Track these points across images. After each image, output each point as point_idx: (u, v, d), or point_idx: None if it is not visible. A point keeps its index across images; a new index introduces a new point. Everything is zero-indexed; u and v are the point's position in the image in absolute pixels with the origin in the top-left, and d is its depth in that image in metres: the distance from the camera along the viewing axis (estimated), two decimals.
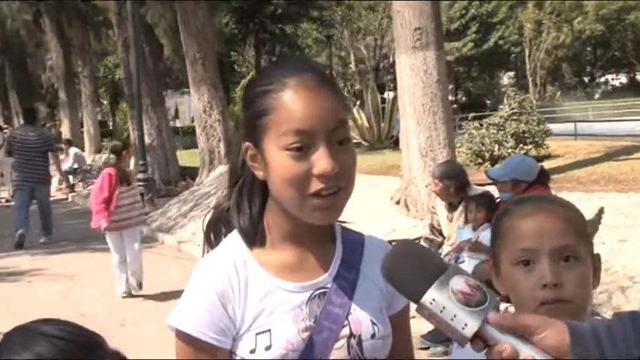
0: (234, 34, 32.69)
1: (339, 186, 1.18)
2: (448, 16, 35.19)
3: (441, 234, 5.58)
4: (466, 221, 5.14)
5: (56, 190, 19.45)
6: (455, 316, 0.94)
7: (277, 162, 1.18)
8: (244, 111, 1.28)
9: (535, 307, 1.20)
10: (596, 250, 1.31)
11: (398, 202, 8.52)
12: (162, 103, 16.58)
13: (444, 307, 0.95)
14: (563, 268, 1.20)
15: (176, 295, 7.23)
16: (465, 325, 0.94)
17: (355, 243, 1.33)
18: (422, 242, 5.78)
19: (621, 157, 10.90)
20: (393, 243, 1.12)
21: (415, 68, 8.11)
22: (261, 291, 1.22)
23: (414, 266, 0.99)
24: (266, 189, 1.27)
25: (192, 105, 14.58)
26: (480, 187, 5.74)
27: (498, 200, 5.04)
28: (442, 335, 3.43)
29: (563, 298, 1.19)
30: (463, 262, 4.87)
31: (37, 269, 8.76)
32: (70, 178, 18.83)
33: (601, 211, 5.27)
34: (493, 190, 5.71)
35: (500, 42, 37.97)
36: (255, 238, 1.26)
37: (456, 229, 5.23)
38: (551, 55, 37.96)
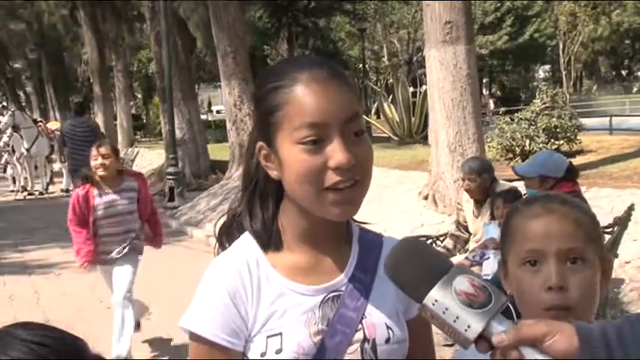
0: (268, 27, 32.74)
1: (356, 179, 1.16)
2: (483, 10, 34.77)
3: (467, 230, 5.52)
4: (492, 217, 5.07)
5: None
6: (458, 317, 0.91)
7: (291, 157, 1.16)
8: (256, 110, 1.26)
9: (539, 310, 1.18)
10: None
11: (426, 198, 8.46)
12: (193, 96, 16.69)
13: (446, 308, 0.92)
14: (570, 270, 1.18)
15: None
16: (468, 326, 0.91)
17: (373, 244, 1.30)
18: (448, 238, 5.73)
19: None
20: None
21: (445, 62, 8.03)
22: (273, 293, 1.20)
23: (417, 265, 0.97)
24: (279, 191, 1.26)
25: (224, 99, 14.65)
26: (507, 183, 5.66)
27: (525, 196, 4.96)
28: None
29: (568, 305, 1.17)
30: (489, 258, 4.81)
31: (66, 262, 8.87)
32: None
33: (631, 207, 5.14)
34: (521, 186, 5.64)
35: (536, 35, 37.39)
36: (268, 240, 1.25)
37: (482, 225, 5.17)
38: (587, 48, 37.26)
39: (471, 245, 5.40)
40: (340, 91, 1.17)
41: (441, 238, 5.90)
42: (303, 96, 1.15)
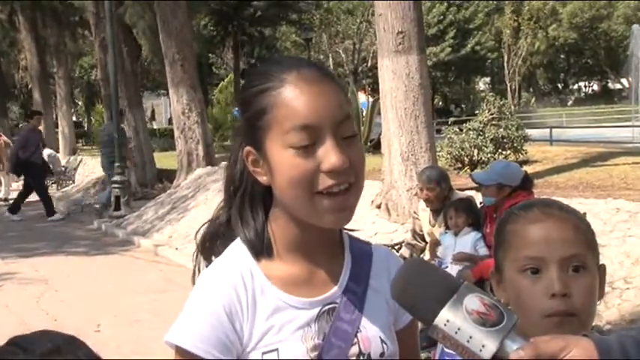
0: (213, 35, 32.53)
1: (350, 182, 1.11)
2: (426, 22, 35.33)
3: (423, 239, 5.55)
4: (447, 227, 5.12)
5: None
6: (471, 337, 0.89)
7: (282, 162, 1.10)
8: (242, 114, 1.19)
9: (540, 317, 1.17)
10: None
11: (379, 207, 8.48)
12: (139, 104, 16.41)
13: (459, 329, 0.90)
14: (572, 278, 1.17)
15: (152, 300, 7.13)
16: (483, 346, 0.89)
17: (363, 253, 1.27)
18: (404, 247, 5.75)
19: (597, 163, 11.01)
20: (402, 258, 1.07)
21: (397, 72, 8.09)
22: (269, 307, 1.15)
23: (425, 286, 0.94)
24: (267, 197, 1.20)
25: (172, 107, 14.43)
26: (462, 192, 5.73)
27: (481, 205, 5.02)
28: (425, 340, 3.38)
29: (571, 311, 1.16)
30: (447, 267, 4.84)
31: (8, 273, 8.57)
32: None
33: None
34: (475, 195, 5.71)
35: (477, 48, 38.25)
36: (261, 249, 1.19)
37: (438, 234, 5.20)
38: (526, 61, 38.36)
39: (427, 255, 5.43)
40: (331, 91, 1.13)
41: (397, 247, 5.92)
42: (293, 97, 1.10)
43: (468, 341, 0.89)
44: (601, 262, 1.28)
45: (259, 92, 1.14)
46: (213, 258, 1.24)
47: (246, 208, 1.22)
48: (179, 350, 1.12)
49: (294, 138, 1.09)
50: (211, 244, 1.26)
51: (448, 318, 0.91)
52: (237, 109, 1.31)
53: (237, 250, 1.20)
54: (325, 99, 1.11)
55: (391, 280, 0.99)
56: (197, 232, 1.29)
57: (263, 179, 1.16)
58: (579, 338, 0.91)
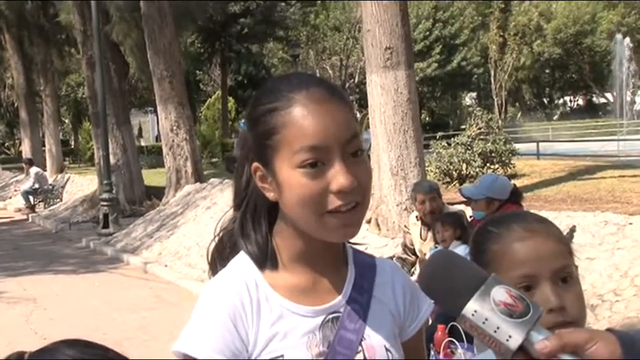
0: (200, 52, 32.57)
1: (357, 201, 1.13)
2: (412, 38, 35.48)
3: (414, 253, 5.56)
4: (436, 241, 5.13)
5: (14, 211, 19.05)
6: (498, 327, 0.92)
7: (291, 181, 1.12)
8: (250, 131, 1.20)
9: None
10: None
11: (368, 221, 8.49)
12: (127, 121, 16.35)
13: (486, 319, 0.92)
14: (563, 289, 1.18)
15: (142, 317, 7.09)
16: (510, 337, 0.91)
17: (367, 265, 1.28)
18: (395, 261, 5.76)
19: (585, 176, 11.10)
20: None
21: (386, 87, 8.14)
22: (273, 314, 1.17)
23: (453, 276, 0.97)
24: (272, 210, 1.22)
25: (160, 124, 14.42)
26: (453, 207, 5.75)
27: (471, 219, 5.04)
28: None
29: (568, 321, 1.17)
30: None
31: None
32: (31, 198, 18.46)
33: (572, 229, 5.30)
34: (465, 209, 5.73)
35: (463, 63, 38.52)
36: (265, 260, 1.20)
37: (429, 248, 5.22)
38: (512, 76, 38.67)
39: (418, 268, 5.44)
40: (339, 110, 1.14)
41: None
42: (301, 118, 1.11)
43: (495, 331, 0.92)
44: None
45: (268, 112, 1.15)
46: (218, 268, 1.25)
47: (248, 221, 1.23)
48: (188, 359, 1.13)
49: (302, 158, 1.10)
50: (222, 257, 1.27)
51: (476, 308, 0.93)
52: (243, 122, 1.31)
53: (242, 261, 1.22)
54: (333, 119, 1.12)
55: (420, 270, 1.02)
56: (209, 246, 1.31)
57: (271, 195, 1.17)
58: (603, 332, 0.93)
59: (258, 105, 1.18)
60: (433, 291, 1.00)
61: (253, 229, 1.23)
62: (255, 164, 1.18)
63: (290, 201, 1.13)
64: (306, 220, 1.14)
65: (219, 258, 1.28)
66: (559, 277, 1.18)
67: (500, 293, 0.94)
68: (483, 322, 0.92)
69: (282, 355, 1.14)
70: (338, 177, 1.10)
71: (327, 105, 1.13)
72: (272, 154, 1.14)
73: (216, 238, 1.29)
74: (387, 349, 1.20)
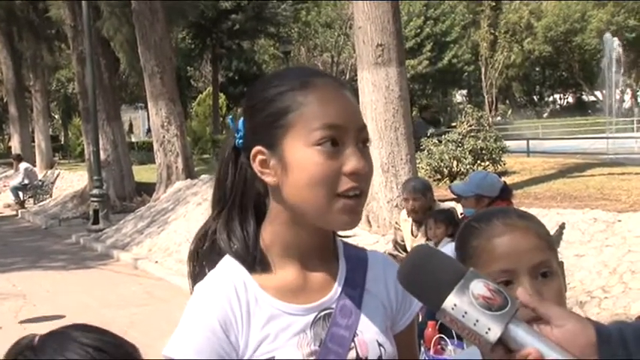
0: (191, 49, 32.44)
1: (362, 189, 1.14)
2: (403, 35, 35.48)
3: (405, 250, 5.57)
4: (428, 238, 5.15)
5: (3, 207, 18.96)
6: (477, 320, 0.93)
7: (305, 160, 1.11)
8: (254, 115, 1.18)
9: None
10: None
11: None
12: (117, 117, 16.30)
13: (465, 312, 0.94)
14: (542, 284, 1.18)
15: (132, 314, 7.08)
16: (489, 329, 0.93)
17: (359, 259, 1.27)
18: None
19: (574, 174, 11.17)
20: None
21: (377, 84, 8.16)
22: (264, 316, 1.15)
23: (433, 272, 0.98)
24: (258, 207, 1.21)
25: (151, 120, 14.37)
26: (444, 204, 5.77)
27: (462, 215, 5.06)
28: None
29: None
30: None
31: None
32: (20, 194, 18.37)
33: (562, 227, 5.34)
34: (455, 205, 5.76)
35: (454, 61, 38.57)
36: (253, 260, 1.19)
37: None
38: (502, 74, 38.77)
39: None
40: (352, 98, 1.18)
41: None
42: (322, 98, 1.13)
43: (474, 325, 0.93)
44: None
45: (278, 94, 1.15)
46: (206, 271, 1.23)
47: (235, 218, 1.21)
48: None
49: (320, 135, 1.10)
50: (205, 258, 1.25)
51: (455, 302, 0.94)
52: (231, 117, 1.30)
53: (230, 262, 1.20)
54: (349, 104, 1.15)
55: (398, 267, 1.02)
56: (191, 247, 1.28)
57: (271, 180, 1.15)
58: (579, 317, 0.95)
59: (266, 88, 1.18)
60: (412, 286, 1.00)
61: (240, 226, 1.21)
62: (257, 148, 1.16)
63: (298, 182, 1.12)
64: (313, 202, 1.12)
65: (205, 260, 1.25)
66: (538, 271, 1.18)
67: (479, 287, 0.95)
68: (463, 316, 0.94)
69: (273, 357, 1.13)
70: (353, 158, 1.11)
71: (342, 91, 1.17)
72: (283, 133, 1.13)
73: (199, 239, 1.27)
74: (379, 344, 1.20)
